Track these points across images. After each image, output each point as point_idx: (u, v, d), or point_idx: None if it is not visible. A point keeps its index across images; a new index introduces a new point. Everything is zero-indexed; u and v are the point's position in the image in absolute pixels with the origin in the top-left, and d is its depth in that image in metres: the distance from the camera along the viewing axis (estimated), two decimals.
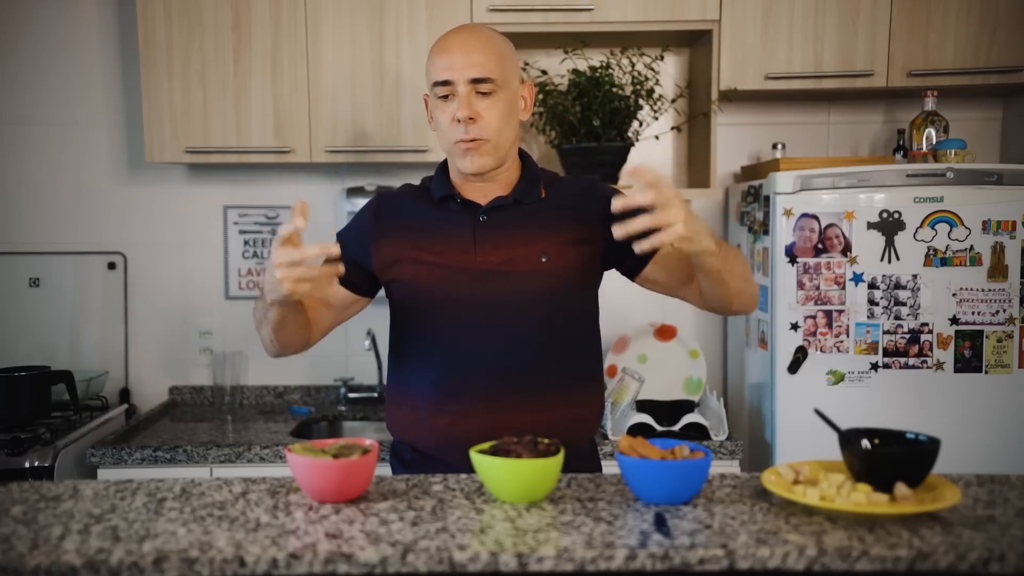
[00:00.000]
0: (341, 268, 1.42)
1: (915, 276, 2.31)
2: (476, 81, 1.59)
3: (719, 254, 1.46)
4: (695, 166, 2.81)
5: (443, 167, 1.73)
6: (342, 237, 1.76)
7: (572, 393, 1.66)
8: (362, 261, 1.69)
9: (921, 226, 2.30)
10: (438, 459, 1.63)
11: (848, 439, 1.27)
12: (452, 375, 1.63)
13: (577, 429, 1.66)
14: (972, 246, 2.29)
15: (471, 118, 1.58)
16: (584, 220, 1.65)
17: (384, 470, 2.29)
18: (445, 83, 1.60)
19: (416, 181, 1.84)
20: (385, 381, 2.85)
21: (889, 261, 2.31)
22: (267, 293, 1.46)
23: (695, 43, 2.78)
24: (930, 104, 2.55)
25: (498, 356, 1.61)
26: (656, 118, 2.74)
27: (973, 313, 2.31)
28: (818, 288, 2.33)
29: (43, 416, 2.49)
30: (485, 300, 1.61)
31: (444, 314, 1.63)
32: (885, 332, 2.32)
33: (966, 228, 2.29)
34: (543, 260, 1.62)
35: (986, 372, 2.32)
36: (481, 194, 1.67)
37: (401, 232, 1.67)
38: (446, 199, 1.67)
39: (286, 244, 1.36)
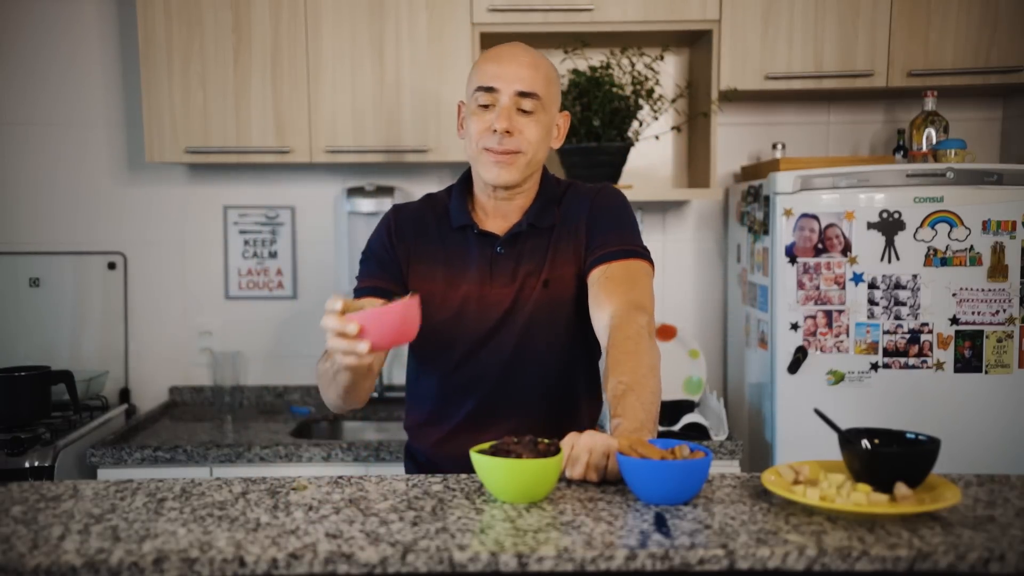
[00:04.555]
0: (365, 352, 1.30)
1: (915, 276, 2.31)
2: (521, 95, 1.57)
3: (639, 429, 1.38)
4: (695, 166, 2.81)
5: (463, 184, 1.71)
6: (373, 253, 1.70)
7: (568, 411, 1.68)
8: (397, 275, 1.67)
9: (921, 226, 2.30)
10: (438, 465, 1.66)
11: (848, 439, 1.27)
12: (450, 395, 1.66)
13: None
14: (972, 246, 2.29)
15: (508, 131, 1.56)
16: (577, 233, 1.65)
17: (396, 469, 2.30)
18: (489, 89, 1.57)
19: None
20: (387, 381, 2.87)
21: (889, 261, 2.31)
22: (336, 361, 1.40)
23: (695, 43, 2.78)
24: (930, 104, 2.55)
25: (497, 380, 1.63)
26: (656, 118, 2.74)
27: (973, 313, 2.31)
28: (818, 288, 2.32)
29: (43, 416, 2.49)
30: (490, 329, 1.63)
31: (451, 339, 1.64)
32: (885, 332, 2.32)
33: (966, 228, 2.29)
34: (544, 287, 1.62)
35: (986, 372, 2.32)
36: (500, 221, 1.66)
37: (427, 258, 1.66)
38: (464, 228, 1.66)
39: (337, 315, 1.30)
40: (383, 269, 1.66)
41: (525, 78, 1.57)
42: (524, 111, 1.58)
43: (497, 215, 1.66)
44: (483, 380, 1.64)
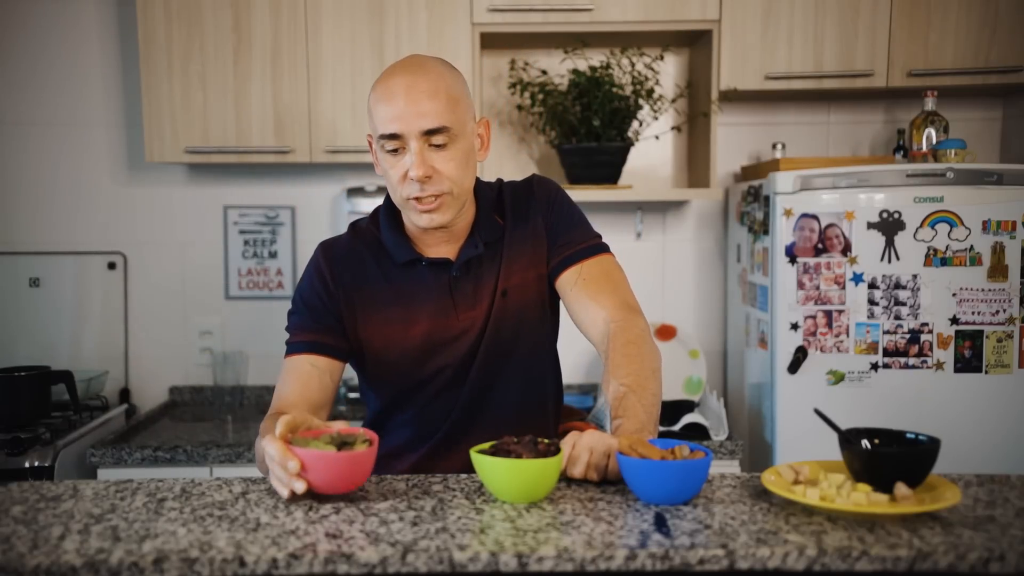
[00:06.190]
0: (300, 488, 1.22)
1: (915, 276, 2.31)
2: (429, 133, 1.44)
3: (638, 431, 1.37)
4: (695, 166, 2.81)
5: (389, 217, 1.59)
6: (305, 302, 1.59)
7: (537, 413, 1.65)
8: (335, 325, 1.56)
9: (921, 226, 2.30)
10: None
11: (848, 439, 1.27)
12: (425, 424, 1.60)
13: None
14: (972, 246, 2.29)
15: (428, 176, 1.44)
16: (534, 234, 1.60)
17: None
18: (393, 136, 1.44)
19: None
20: None
21: (889, 261, 2.31)
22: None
23: (695, 43, 2.78)
24: (930, 104, 2.55)
25: (474, 400, 1.58)
26: (656, 118, 2.74)
27: (973, 313, 2.31)
28: (818, 288, 2.33)
29: (43, 416, 2.49)
30: (463, 354, 1.56)
31: (425, 377, 1.57)
32: (885, 332, 2.32)
33: (966, 228, 2.29)
34: (503, 297, 1.56)
35: (986, 372, 2.32)
36: (446, 246, 1.57)
37: (375, 302, 1.56)
38: (411, 262, 1.56)
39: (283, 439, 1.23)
40: (318, 321, 1.55)
41: (427, 113, 1.42)
42: (436, 146, 1.45)
43: (440, 241, 1.56)
44: (459, 404, 1.58)
